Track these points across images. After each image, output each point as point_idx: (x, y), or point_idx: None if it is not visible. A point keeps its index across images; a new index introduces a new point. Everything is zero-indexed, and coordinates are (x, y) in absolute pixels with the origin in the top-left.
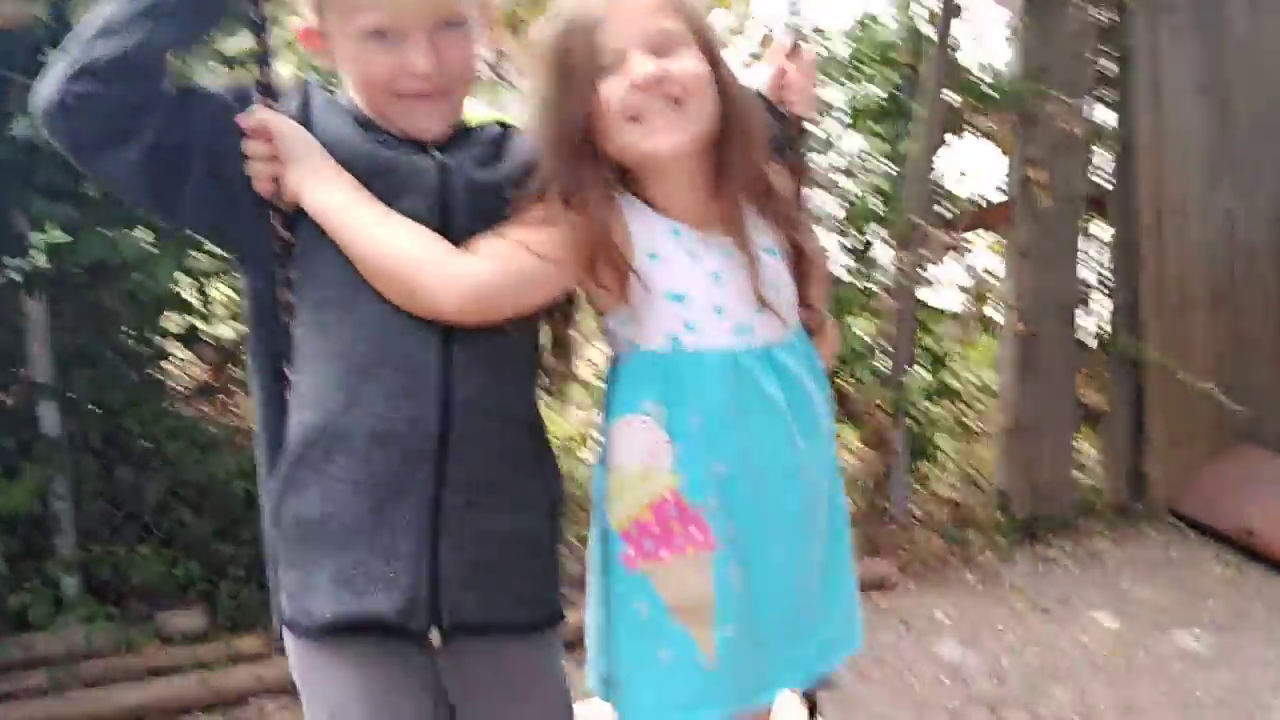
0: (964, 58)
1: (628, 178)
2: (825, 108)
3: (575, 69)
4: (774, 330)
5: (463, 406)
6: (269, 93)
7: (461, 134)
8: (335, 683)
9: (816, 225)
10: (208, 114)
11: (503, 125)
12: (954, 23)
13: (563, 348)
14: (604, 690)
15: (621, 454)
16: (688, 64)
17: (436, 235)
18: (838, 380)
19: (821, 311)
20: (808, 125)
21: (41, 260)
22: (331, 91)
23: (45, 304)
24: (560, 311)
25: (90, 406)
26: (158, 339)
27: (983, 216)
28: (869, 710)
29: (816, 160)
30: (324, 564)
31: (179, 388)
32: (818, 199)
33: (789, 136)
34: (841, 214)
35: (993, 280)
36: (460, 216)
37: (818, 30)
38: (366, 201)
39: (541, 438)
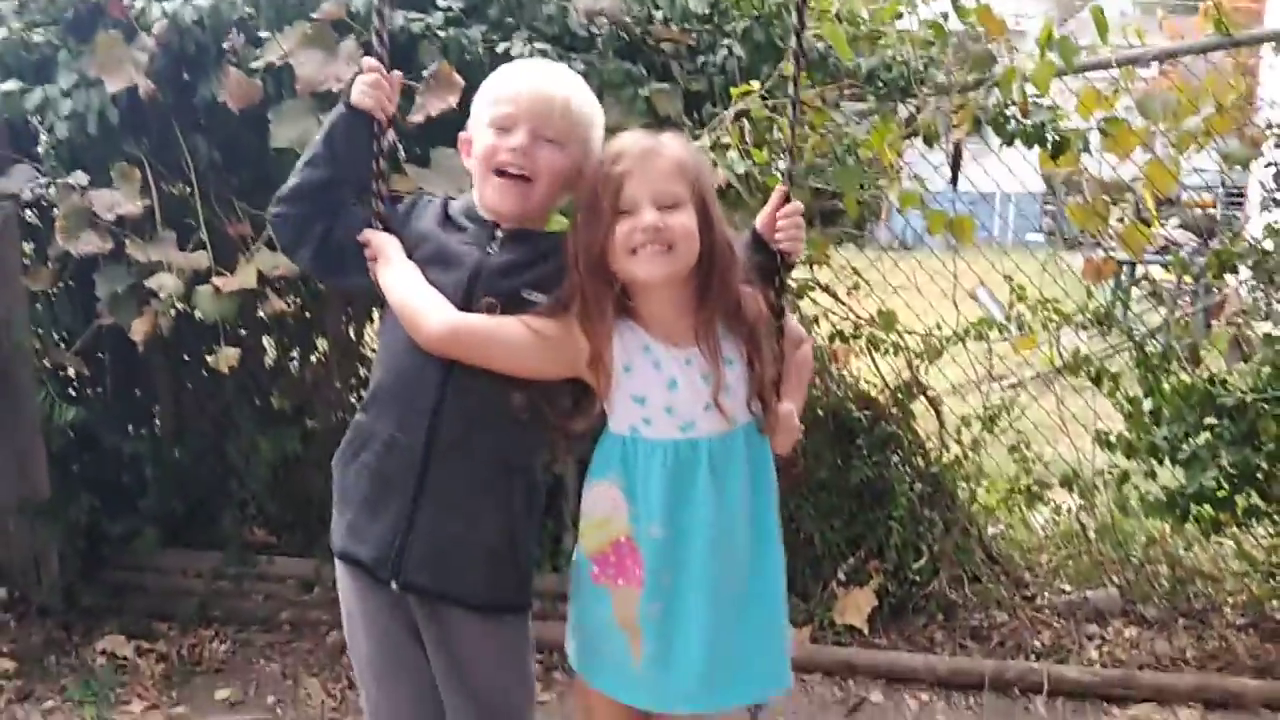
0: None
1: (625, 293)
2: None
3: (602, 206)
4: (717, 425)
5: (443, 441)
6: (379, 214)
7: (526, 234)
8: (345, 593)
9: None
10: (356, 225)
11: (559, 238)
12: None
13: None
14: (574, 660)
15: (594, 505)
16: (682, 220)
17: (445, 299)
18: None
19: (779, 427)
20: (790, 260)
21: None
22: (450, 200)
23: None
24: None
25: None
26: None
27: None
28: None
29: None
30: (346, 515)
31: None
32: None
33: (774, 267)
34: None
35: None
36: (477, 296)
37: None
38: (412, 275)
39: (518, 475)
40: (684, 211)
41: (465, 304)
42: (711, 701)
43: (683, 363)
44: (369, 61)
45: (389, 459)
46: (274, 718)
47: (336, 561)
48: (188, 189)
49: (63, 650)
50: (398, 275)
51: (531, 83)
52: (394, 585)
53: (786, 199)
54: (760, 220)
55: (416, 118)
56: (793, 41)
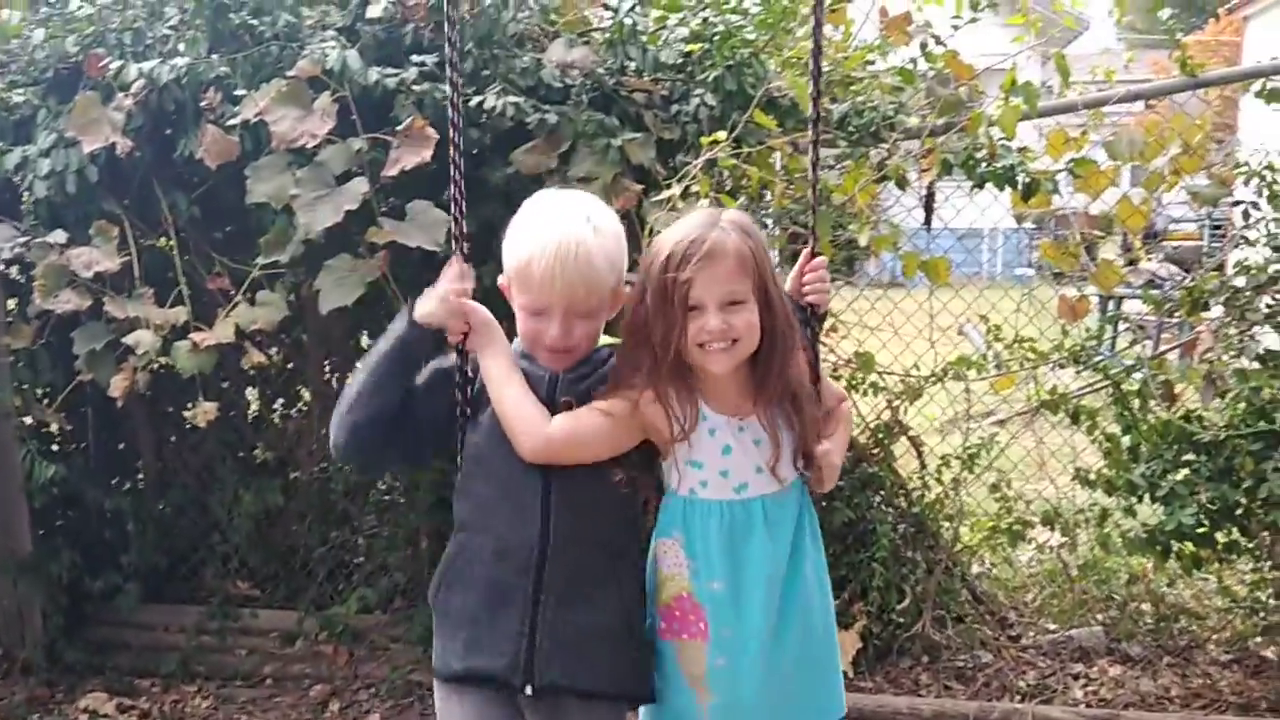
0: None
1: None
2: None
3: (674, 308)
4: (768, 486)
5: (555, 538)
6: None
7: (585, 359)
8: (454, 715)
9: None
10: (430, 401)
11: (612, 349)
12: None
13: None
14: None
15: (661, 562)
16: (746, 318)
17: (537, 407)
18: None
19: (820, 467)
20: (820, 310)
21: None
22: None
23: None
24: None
25: None
26: None
27: None
28: None
29: None
30: (458, 636)
31: None
32: None
33: (806, 319)
34: None
35: None
36: (558, 403)
37: None
38: (511, 371)
39: (624, 559)
40: (746, 308)
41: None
42: None
43: (736, 430)
44: (452, 272)
45: (501, 566)
46: None
47: (440, 686)
48: (168, 244)
49: (45, 709)
50: (503, 379)
51: (554, 267)
52: (529, 690)
53: (813, 255)
54: (790, 282)
55: (391, 171)
56: (810, 108)
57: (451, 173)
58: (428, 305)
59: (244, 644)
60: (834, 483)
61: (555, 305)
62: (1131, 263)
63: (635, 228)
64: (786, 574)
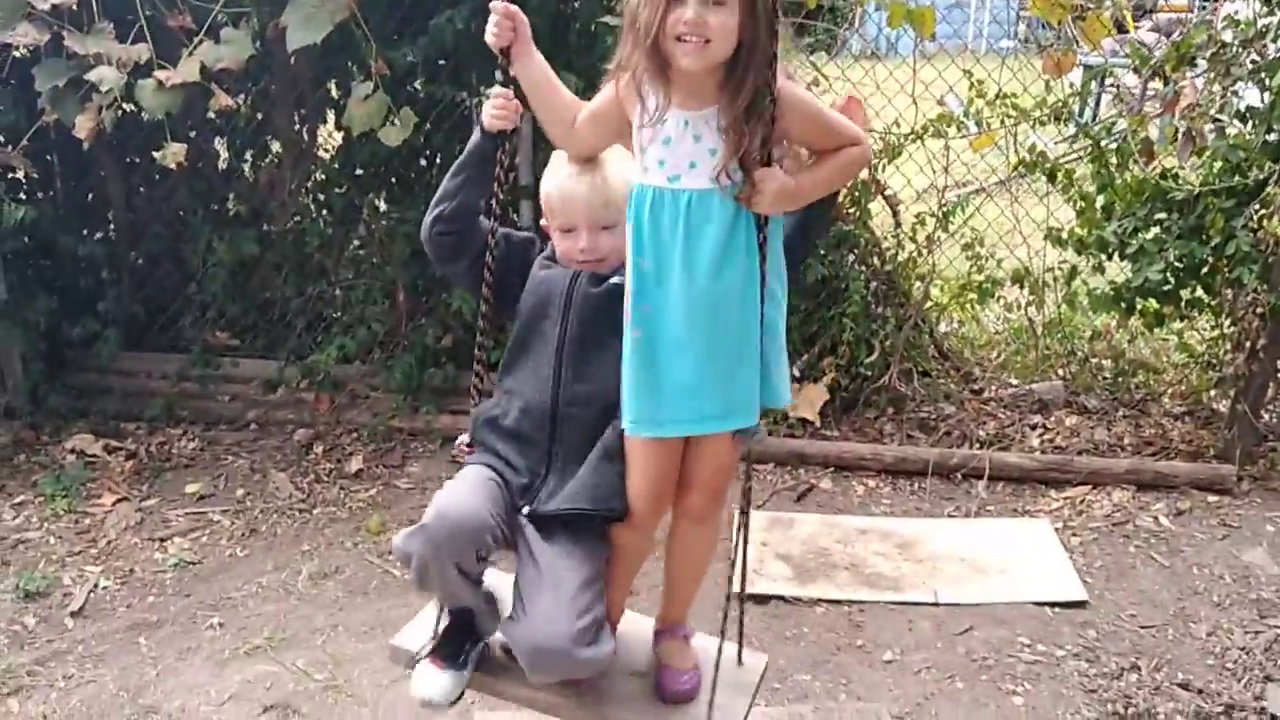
0: None
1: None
2: None
3: None
4: (697, 183)
5: (564, 404)
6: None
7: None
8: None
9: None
10: (514, 248)
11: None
12: None
13: None
14: None
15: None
16: (723, 19)
17: (571, 100)
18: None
19: (754, 183)
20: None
21: None
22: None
23: None
24: None
25: None
26: None
27: None
28: (1135, 584)
29: None
30: (487, 458)
31: None
32: None
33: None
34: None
35: None
36: (574, 307)
37: None
38: (552, 76)
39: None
40: (727, 9)
41: (568, 296)
42: (691, 426)
43: (681, 124)
44: (497, 89)
45: (527, 420)
46: (243, 509)
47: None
48: None
49: (32, 449)
50: (542, 72)
51: (572, 192)
52: (524, 511)
53: None
54: None
55: None
56: None
57: None
58: (487, 117)
59: (226, 390)
60: (783, 207)
61: (577, 220)
62: (1120, 29)
63: None
64: (706, 273)
